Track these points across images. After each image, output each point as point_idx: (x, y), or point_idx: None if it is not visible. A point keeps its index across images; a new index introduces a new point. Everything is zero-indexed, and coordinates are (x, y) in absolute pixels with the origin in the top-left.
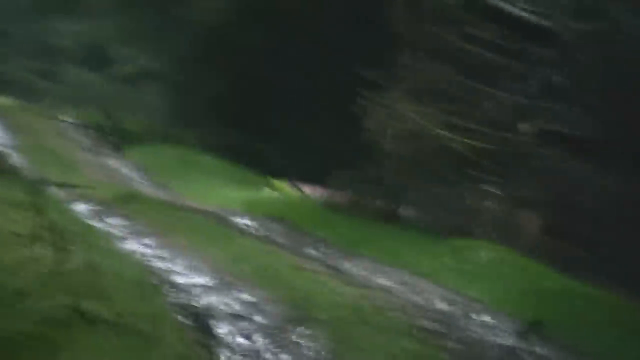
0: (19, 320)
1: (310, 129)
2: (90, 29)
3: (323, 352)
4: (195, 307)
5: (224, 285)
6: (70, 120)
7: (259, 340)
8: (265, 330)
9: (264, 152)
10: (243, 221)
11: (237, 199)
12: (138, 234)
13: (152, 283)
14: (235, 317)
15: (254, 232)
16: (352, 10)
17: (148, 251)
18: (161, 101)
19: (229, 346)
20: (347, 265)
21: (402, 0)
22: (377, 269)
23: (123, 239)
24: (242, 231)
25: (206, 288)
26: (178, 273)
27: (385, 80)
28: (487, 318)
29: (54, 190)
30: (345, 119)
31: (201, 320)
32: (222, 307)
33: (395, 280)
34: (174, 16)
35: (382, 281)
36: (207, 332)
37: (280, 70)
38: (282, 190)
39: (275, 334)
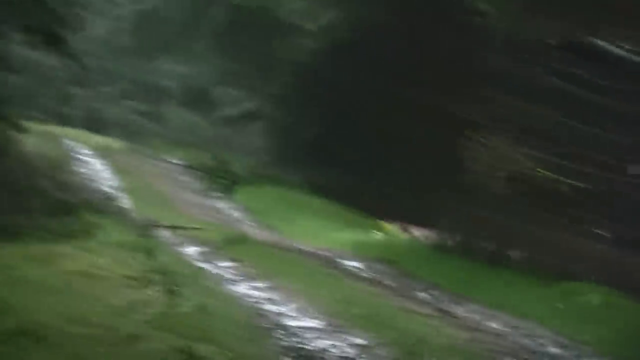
0: None
1: (416, 170)
2: (193, 71)
3: None
4: (307, 350)
5: (334, 328)
6: (176, 161)
7: None
8: None
9: (370, 193)
10: (352, 264)
11: (345, 241)
12: (248, 277)
13: (263, 326)
14: None
15: (363, 274)
16: (453, 49)
17: (258, 294)
18: (265, 142)
19: None
20: (457, 309)
21: (505, 41)
22: (488, 313)
23: (233, 281)
24: (351, 274)
25: (317, 331)
26: (289, 316)
27: (490, 122)
28: None
29: (163, 233)
30: (451, 160)
31: None
32: (333, 350)
33: (505, 324)
34: (274, 58)
35: (493, 324)
36: None
37: (383, 110)
38: (390, 232)
39: None
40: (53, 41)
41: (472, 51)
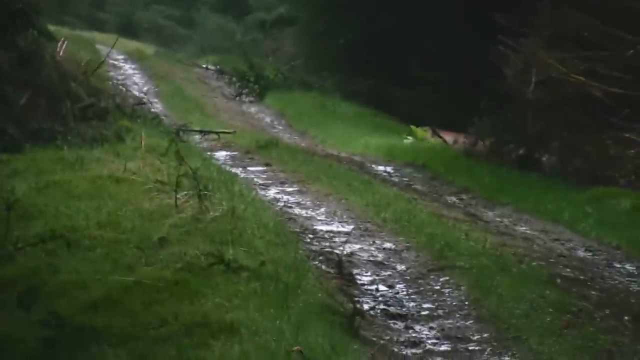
0: (161, 267)
1: (449, 76)
2: None
3: (464, 300)
4: (337, 254)
5: (365, 233)
6: (209, 67)
7: (401, 288)
8: (406, 278)
9: (403, 99)
10: (383, 168)
11: (377, 146)
12: (278, 181)
13: (293, 231)
14: (377, 264)
15: (394, 179)
16: None
17: (289, 199)
18: (299, 48)
19: (371, 294)
20: (487, 214)
21: None
22: (518, 217)
23: (263, 186)
24: (382, 179)
25: (346, 235)
26: (319, 221)
27: (524, 27)
28: (629, 266)
29: (194, 137)
30: (484, 66)
31: (343, 268)
32: (363, 255)
33: (536, 229)
34: None
35: (523, 229)
36: (348, 280)
37: (417, 17)
38: (422, 137)
39: (417, 282)
40: None
41: None
